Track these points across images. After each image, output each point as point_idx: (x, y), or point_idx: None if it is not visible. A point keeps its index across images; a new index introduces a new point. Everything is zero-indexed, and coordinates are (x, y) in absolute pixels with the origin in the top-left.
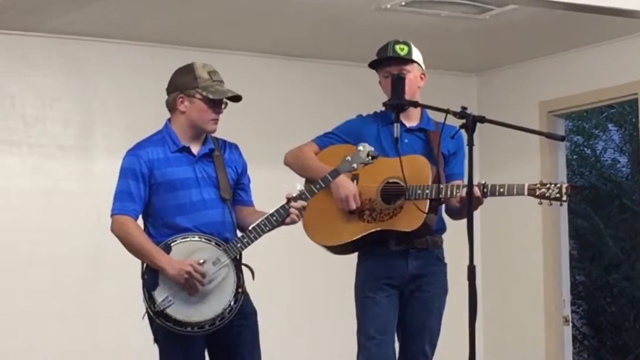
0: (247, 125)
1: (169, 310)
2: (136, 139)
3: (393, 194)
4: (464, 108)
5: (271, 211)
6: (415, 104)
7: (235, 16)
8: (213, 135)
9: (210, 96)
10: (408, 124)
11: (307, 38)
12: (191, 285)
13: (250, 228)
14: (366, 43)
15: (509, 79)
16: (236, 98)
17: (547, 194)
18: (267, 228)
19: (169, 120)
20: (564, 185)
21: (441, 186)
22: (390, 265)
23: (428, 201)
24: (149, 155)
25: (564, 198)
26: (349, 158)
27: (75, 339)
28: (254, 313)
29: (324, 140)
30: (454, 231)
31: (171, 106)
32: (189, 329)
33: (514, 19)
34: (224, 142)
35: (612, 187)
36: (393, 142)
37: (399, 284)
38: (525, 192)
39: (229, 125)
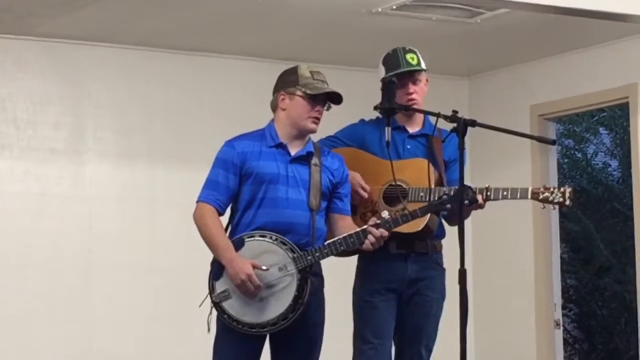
0: (239, 129)
1: (224, 304)
2: (127, 142)
3: (395, 196)
4: (455, 112)
5: (351, 232)
6: (406, 108)
7: (226, 20)
8: (317, 144)
9: (309, 92)
10: (411, 130)
11: (298, 42)
12: (243, 291)
13: (325, 243)
14: (357, 47)
15: (500, 82)
16: (338, 99)
17: (551, 198)
18: (342, 247)
19: (272, 119)
20: (568, 190)
21: (444, 189)
22: (390, 268)
23: None
24: (244, 147)
25: (567, 202)
26: (446, 197)
27: (67, 343)
28: (319, 324)
29: (327, 144)
30: (448, 236)
31: (274, 105)
32: (240, 326)
33: (505, 22)
34: (328, 151)
35: (603, 190)
36: (395, 147)
37: (398, 287)
38: (529, 196)
39: (220, 128)
